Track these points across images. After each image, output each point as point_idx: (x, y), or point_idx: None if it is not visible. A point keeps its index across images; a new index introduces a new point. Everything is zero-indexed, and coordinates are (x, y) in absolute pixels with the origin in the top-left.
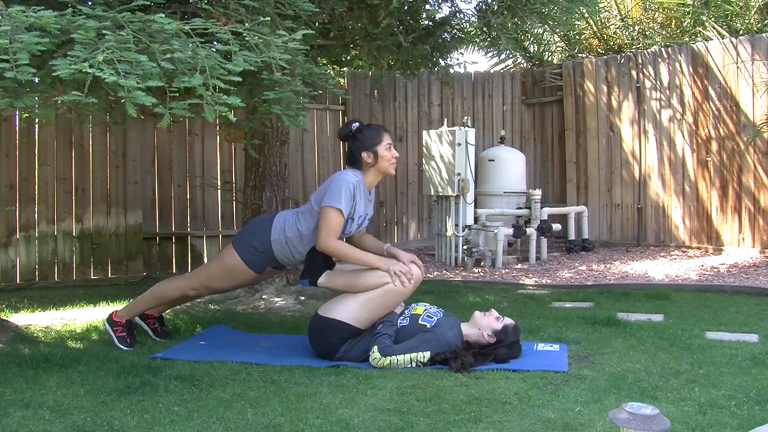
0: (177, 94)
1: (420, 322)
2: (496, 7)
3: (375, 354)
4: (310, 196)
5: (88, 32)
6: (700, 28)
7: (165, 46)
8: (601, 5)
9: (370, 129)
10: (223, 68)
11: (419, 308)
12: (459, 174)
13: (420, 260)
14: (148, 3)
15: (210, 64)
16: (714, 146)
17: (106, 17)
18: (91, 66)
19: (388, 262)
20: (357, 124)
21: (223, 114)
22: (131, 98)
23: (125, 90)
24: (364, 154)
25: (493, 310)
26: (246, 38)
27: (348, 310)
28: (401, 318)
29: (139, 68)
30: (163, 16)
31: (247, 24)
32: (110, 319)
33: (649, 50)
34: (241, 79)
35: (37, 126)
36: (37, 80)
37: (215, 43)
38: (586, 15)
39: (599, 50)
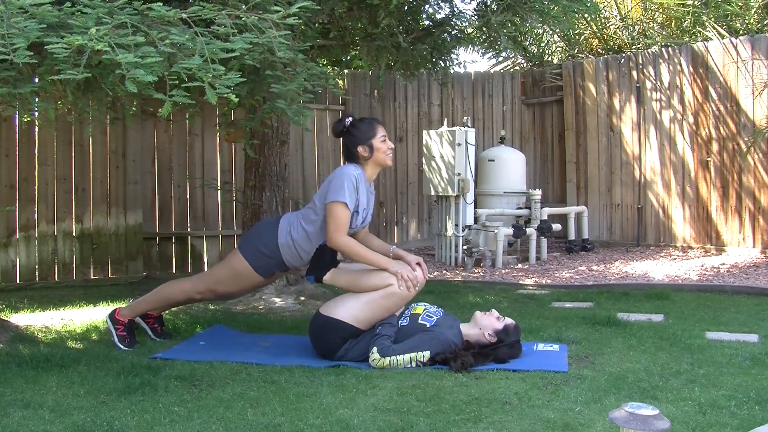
0: (177, 82)
1: (420, 321)
2: (495, 7)
3: (374, 355)
4: (314, 197)
5: (87, 20)
6: (700, 28)
7: (163, 34)
8: (601, 5)
9: (364, 123)
10: (222, 49)
11: (419, 308)
12: (459, 174)
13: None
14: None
15: (209, 47)
16: (714, 146)
17: (104, 7)
18: (89, 40)
19: (396, 264)
20: (350, 119)
21: (225, 95)
22: (132, 75)
23: (124, 68)
24: (360, 148)
25: (493, 310)
26: (243, 19)
27: (349, 310)
28: (401, 318)
29: (138, 51)
30: (161, 4)
31: (243, 7)
32: (112, 317)
33: (649, 50)
34: (239, 54)
35: (37, 126)
36: (36, 79)
37: (214, 28)
38: (586, 15)
39: (599, 50)
